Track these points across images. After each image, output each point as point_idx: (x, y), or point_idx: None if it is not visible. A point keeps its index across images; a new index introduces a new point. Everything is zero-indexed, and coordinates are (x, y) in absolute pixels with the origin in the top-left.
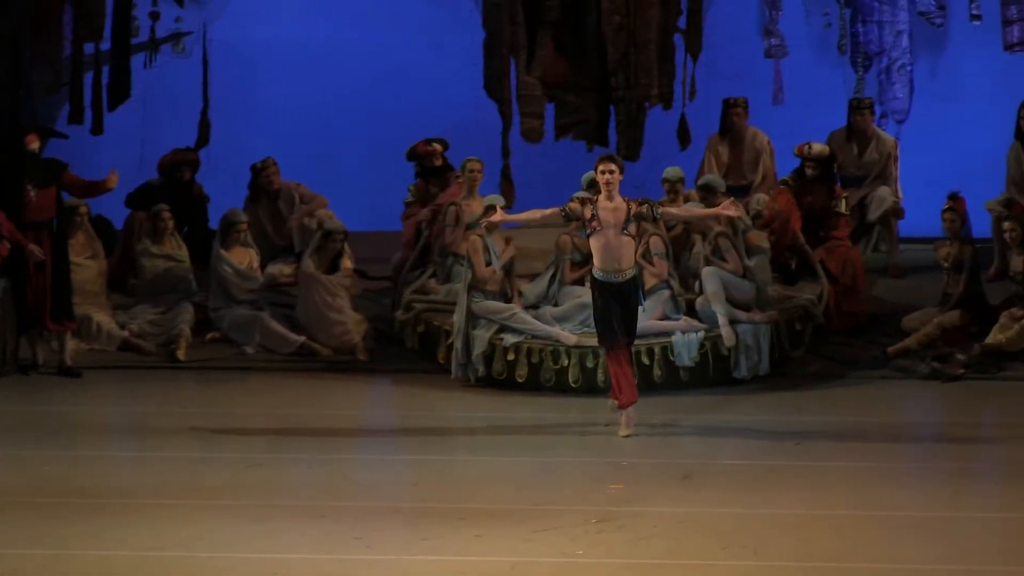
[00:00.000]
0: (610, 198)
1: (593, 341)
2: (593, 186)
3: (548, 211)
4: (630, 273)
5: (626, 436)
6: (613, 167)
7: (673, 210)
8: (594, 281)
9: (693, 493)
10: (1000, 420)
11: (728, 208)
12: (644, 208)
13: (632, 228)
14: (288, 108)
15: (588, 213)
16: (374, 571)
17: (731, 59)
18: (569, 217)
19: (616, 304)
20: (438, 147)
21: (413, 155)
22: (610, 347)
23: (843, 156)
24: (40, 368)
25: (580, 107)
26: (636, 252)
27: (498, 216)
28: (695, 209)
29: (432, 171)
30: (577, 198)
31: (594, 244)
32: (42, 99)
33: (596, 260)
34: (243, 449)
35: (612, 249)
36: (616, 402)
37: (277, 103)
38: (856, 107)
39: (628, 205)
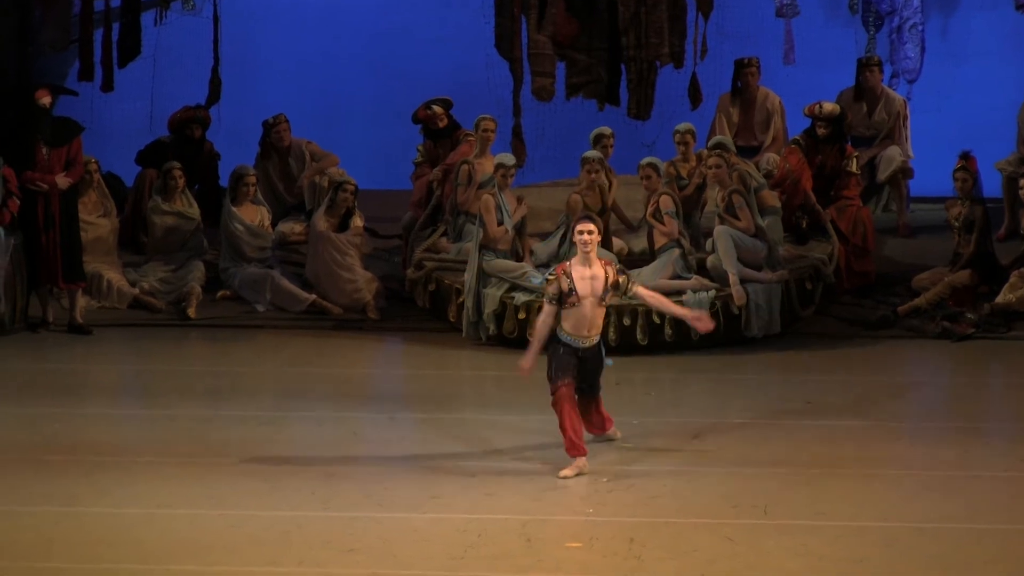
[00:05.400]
0: (587, 263)
1: None
2: (599, 142)
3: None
4: (596, 339)
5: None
6: (592, 228)
7: (642, 291)
8: (557, 339)
9: (702, 452)
10: (1009, 379)
11: (699, 319)
12: (622, 279)
13: (608, 297)
14: (298, 66)
15: (565, 286)
16: (384, 529)
17: (742, 18)
18: (553, 300)
19: (577, 360)
20: (438, 109)
21: (416, 120)
22: (559, 384)
23: (852, 116)
24: (50, 325)
25: (591, 66)
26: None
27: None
28: (663, 299)
29: (437, 132)
30: (549, 277)
31: (566, 313)
32: (51, 56)
33: (565, 324)
34: (253, 407)
35: (585, 319)
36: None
37: (287, 61)
38: (865, 64)
39: (606, 272)
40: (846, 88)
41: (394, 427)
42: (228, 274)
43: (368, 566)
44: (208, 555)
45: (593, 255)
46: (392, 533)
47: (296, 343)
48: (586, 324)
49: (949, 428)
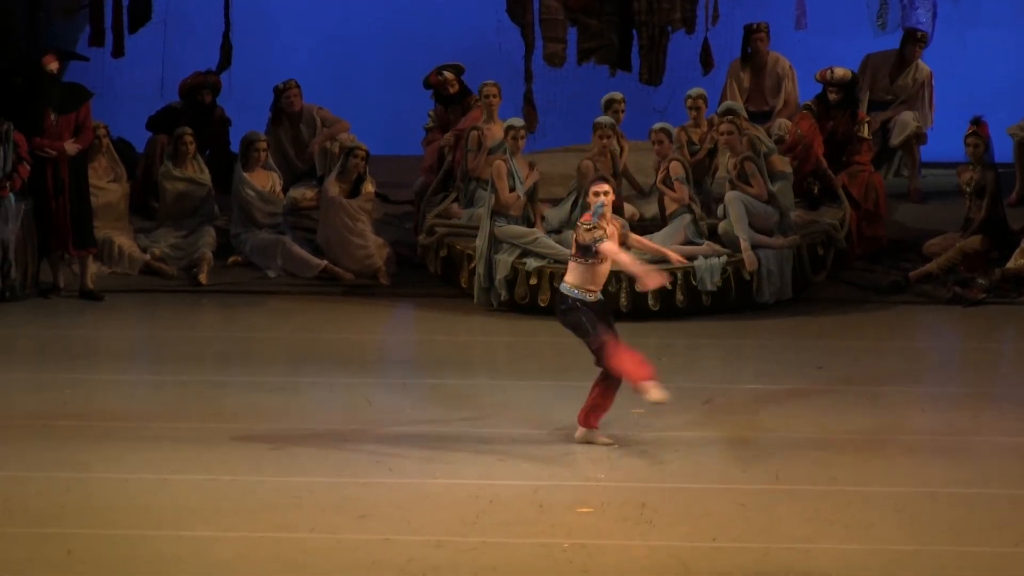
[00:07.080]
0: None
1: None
2: (611, 107)
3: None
4: (599, 295)
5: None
6: (607, 188)
7: (636, 240)
8: (564, 298)
9: (714, 417)
10: (1020, 345)
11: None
12: (622, 233)
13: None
14: (310, 31)
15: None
16: (396, 495)
17: None
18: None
19: (593, 313)
20: (449, 75)
21: (427, 85)
22: (600, 336)
23: (877, 79)
24: (61, 291)
25: (602, 31)
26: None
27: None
28: (647, 243)
29: (448, 98)
30: (596, 222)
31: (578, 266)
32: (62, 21)
33: (571, 277)
34: (264, 373)
35: (597, 275)
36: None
37: (299, 26)
38: (919, 39)
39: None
40: (883, 51)
41: (406, 393)
42: (239, 240)
43: (380, 531)
44: (220, 521)
45: (608, 215)
46: (404, 499)
47: (307, 309)
48: (596, 280)
49: (960, 393)
